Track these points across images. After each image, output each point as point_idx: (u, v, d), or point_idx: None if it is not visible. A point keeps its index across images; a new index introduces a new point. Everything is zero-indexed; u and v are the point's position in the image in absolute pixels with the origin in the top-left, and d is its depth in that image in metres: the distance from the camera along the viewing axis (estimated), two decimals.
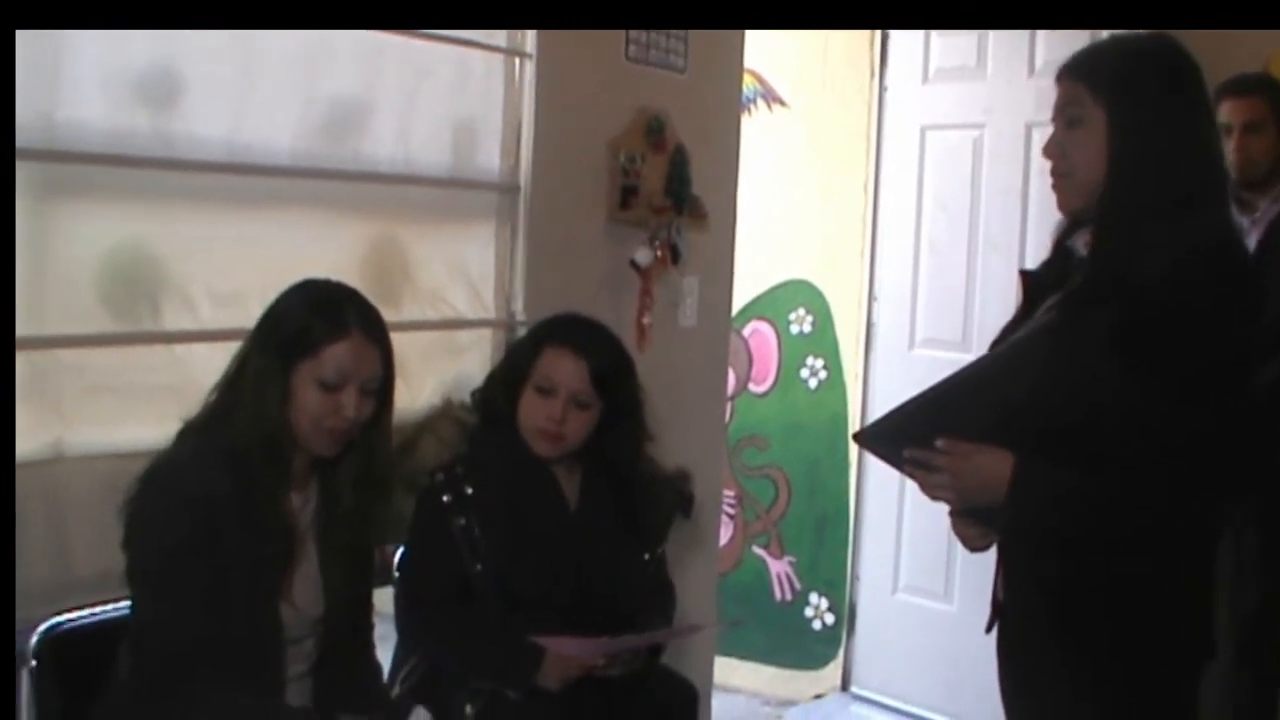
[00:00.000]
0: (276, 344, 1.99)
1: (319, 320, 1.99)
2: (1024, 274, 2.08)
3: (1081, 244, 1.94)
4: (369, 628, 2.26)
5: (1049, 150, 1.96)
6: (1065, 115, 1.94)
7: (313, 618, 2.09)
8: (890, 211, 4.37)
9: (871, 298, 4.42)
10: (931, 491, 1.95)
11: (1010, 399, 1.86)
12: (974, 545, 2.06)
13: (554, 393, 2.39)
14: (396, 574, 2.53)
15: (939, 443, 1.89)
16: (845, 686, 4.53)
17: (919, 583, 4.31)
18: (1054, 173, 1.96)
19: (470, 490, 2.37)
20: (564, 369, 2.40)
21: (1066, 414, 1.82)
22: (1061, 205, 1.97)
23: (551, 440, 2.41)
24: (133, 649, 1.95)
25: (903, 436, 1.95)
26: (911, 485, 2.00)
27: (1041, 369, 1.83)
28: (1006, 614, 2.07)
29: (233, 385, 2.01)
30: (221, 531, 1.90)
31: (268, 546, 1.98)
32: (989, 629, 2.11)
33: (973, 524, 2.02)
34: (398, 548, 2.52)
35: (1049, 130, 1.98)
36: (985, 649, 2.12)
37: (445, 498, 2.36)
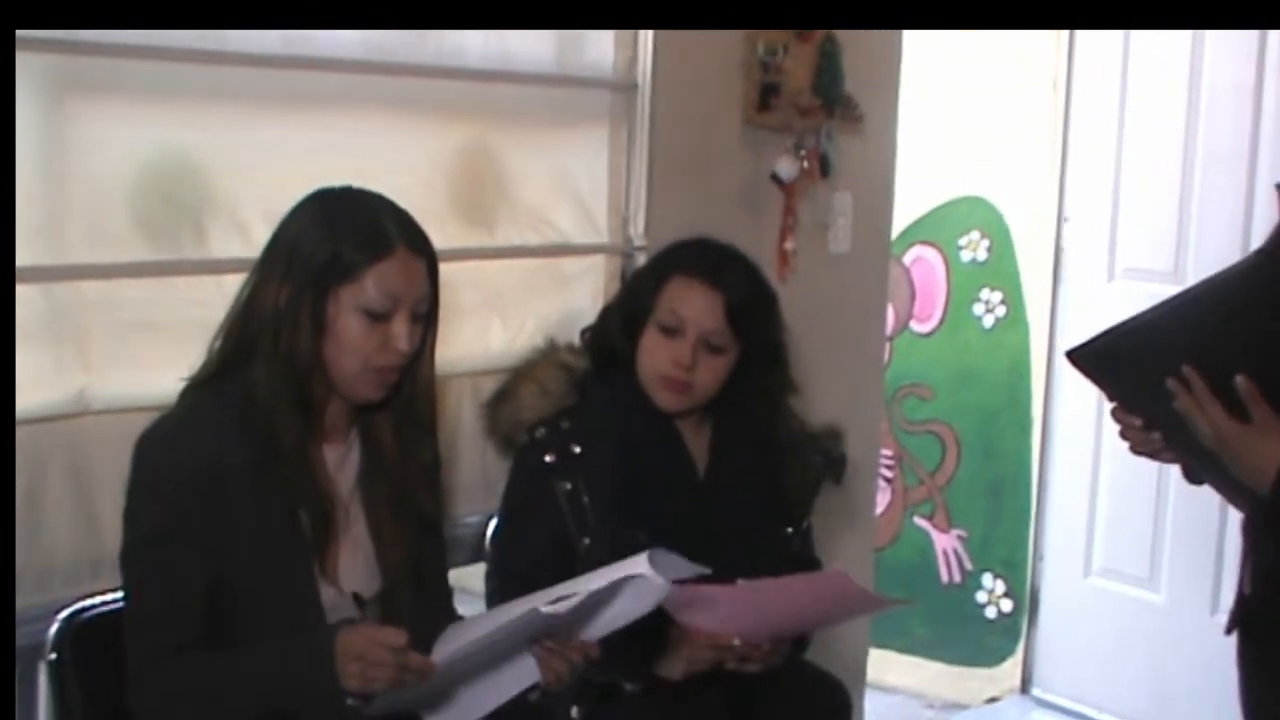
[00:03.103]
0: (304, 272, 1.94)
1: (356, 237, 1.93)
2: None
3: None
4: (445, 612, 2.20)
5: None
6: None
7: (365, 600, 2.05)
8: (1086, 115, 4.26)
9: (1061, 218, 4.33)
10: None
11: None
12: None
13: (681, 332, 2.37)
14: (489, 547, 2.53)
15: (1239, 380, 1.80)
16: (1025, 688, 4.50)
17: (1117, 565, 4.22)
18: None
19: (578, 449, 2.36)
20: (694, 304, 2.37)
21: None
22: None
23: (677, 390, 2.38)
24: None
25: (1135, 361, 1.86)
26: (1110, 444, 1.92)
27: None
28: (1253, 613, 2.00)
29: (244, 327, 1.97)
30: (232, 506, 1.89)
31: (300, 517, 1.95)
32: (1229, 630, 2.05)
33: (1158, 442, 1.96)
34: (489, 518, 2.51)
35: None
36: (1203, 649, 2.07)
37: (548, 458, 2.36)
